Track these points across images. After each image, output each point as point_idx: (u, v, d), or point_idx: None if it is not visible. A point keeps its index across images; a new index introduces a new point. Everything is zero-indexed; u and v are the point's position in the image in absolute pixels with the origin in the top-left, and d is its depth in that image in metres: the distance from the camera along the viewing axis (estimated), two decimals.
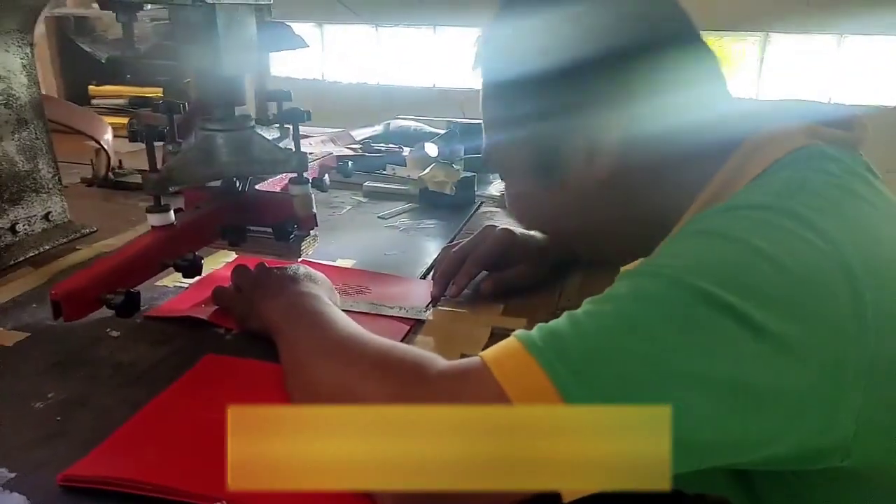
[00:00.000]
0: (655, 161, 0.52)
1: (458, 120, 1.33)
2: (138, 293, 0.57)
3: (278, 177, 0.80)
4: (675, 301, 0.40)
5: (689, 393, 0.37)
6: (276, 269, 0.67)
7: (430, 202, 1.06)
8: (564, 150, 0.53)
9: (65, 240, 0.86)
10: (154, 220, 0.62)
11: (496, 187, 1.16)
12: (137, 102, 1.57)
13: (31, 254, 0.81)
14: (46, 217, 0.85)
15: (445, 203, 1.05)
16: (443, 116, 1.47)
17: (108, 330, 0.64)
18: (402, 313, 0.69)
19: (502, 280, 0.73)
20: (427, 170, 1.06)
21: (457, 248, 0.74)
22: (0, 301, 0.70)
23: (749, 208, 0.44)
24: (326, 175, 0.94)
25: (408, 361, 0.44)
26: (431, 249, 0.91)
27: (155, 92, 1.66)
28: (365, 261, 0.84)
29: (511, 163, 0.58)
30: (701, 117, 0.51)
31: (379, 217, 1.02)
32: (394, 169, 1.22)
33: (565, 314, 0.43)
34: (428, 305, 0.72)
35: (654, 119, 0.51)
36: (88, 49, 1.61)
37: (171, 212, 0.62)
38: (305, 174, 0.72)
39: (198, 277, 0.74)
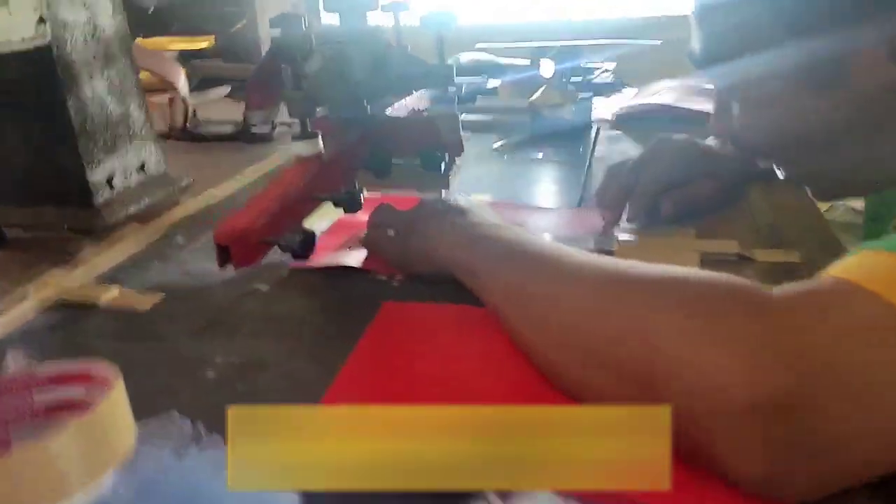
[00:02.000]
0: None
1: (546, 43, 1.21)
2: (314, 232, 0.47)
3: (408, 98, 0.70)
4: None
5: None
6: (432, 203, 0.57)
7: (544, 129, 0.95)
8: (848, 50, 0.42)
9: (164, 193, 0.77)
10: (301, 148, 0.52)
11: (609, 109, 1.05)
12: (189, 54, 1.47)
13: (133, 210, 0.72)
14: (142, 168, 0.76)
15: (561, 129, 0.94)
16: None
17: (255, 284, 0.56)
18: (587, 246, 0.59)
19: (685, 198, 0.62)
20: (538, 93, 0.95)
21: (630, 164, 0.64)
22: (115, 262, 0.62)
23: None
24: None
25: (717, 284, 0.33)
26: (569, 178, 0.81)
27: (206, 41, 1.55)
28: (502, 195, 0.74)
29: (761, 64, 0.47)
30: None
31: (494, 149, 0.91)
32: (486, 99, 1.11)
33: None
34: (606, 234, 0.62)
35: None
36: (136, 1, 1.51)
37: (320, 138, 0.53)
38: (451, 90, 0.61)
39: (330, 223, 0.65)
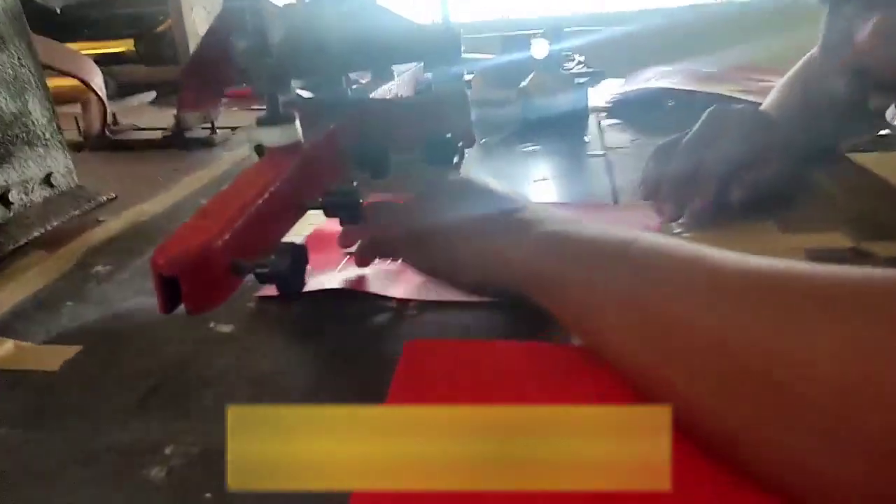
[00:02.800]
0: None
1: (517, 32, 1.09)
2: (304, 246, 0.32)
3: (391, 84, 0.56)
4: None
5: None
6: (474, 184, 0.42)
7: (535, 118, 0.82)
8: None
9: (77, 211, 0.60)
10: (273, 136, 0.36)
11: (603, 96, 0.93)
12: (105, 59, 1.28)
13: (36, 233, 0.55)
14: (48, 181, 0.58)
15: (556, 117, 0.81)
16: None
17: (212, 324, 0.40)
18: None
19: (759, 182, 0.49)
20: (529, 78, 0.82)
21: (685, 144, 0.51)
22: (10, 304, 0.45)
23: None
24: None
25: None
26: (575, 170, 0.68)
27: (123, 46, 1.36)
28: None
29: None
30: None
31: (482, 144, 0.78)
32: None
33: None
34: (665, 232, 0.49)
35: None
36: (40, 1, 1.31)
37: (298, 123, 0.37)
38: (459, 67, 0.47)
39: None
